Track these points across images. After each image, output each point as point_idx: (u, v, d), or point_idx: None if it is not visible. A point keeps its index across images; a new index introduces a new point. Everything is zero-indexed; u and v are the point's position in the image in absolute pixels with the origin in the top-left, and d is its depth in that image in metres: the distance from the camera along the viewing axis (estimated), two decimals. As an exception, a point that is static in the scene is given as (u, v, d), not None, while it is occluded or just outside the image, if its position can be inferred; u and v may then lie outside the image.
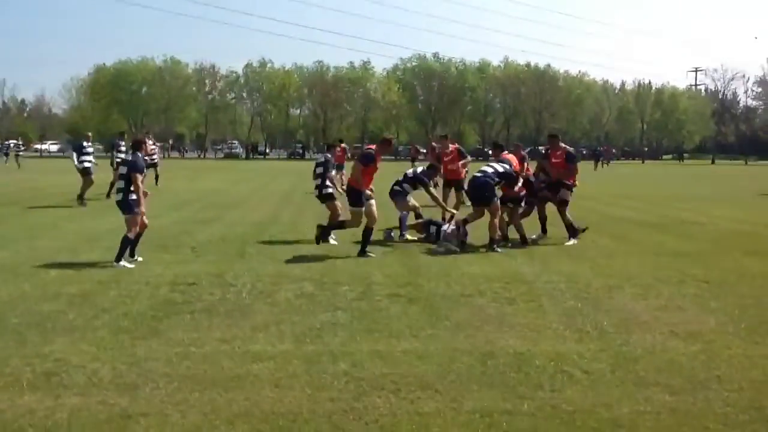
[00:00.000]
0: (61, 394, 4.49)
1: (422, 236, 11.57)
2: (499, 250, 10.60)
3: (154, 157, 22.92)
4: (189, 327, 6.09)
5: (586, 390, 4.67)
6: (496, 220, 10.91)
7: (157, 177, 23.05)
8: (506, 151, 12.67)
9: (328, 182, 11.95)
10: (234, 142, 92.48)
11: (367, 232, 10.19)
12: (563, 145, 12.37)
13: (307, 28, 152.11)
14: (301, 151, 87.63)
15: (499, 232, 10.99)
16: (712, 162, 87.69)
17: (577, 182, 12.28)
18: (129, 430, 3.93)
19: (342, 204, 11.56)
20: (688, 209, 18.26)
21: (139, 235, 9.38)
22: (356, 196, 10.24)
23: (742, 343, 5.78)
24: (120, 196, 9.31)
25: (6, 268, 8.67)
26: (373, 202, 10.34)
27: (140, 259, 9.29)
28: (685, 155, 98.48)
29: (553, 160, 12.08)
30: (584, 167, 37.10)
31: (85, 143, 18.89)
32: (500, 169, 11.21)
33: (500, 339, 5.82)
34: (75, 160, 18.54)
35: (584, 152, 68.81)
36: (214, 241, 11.20)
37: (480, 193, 11.05)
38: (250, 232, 12.35)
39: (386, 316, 6.53)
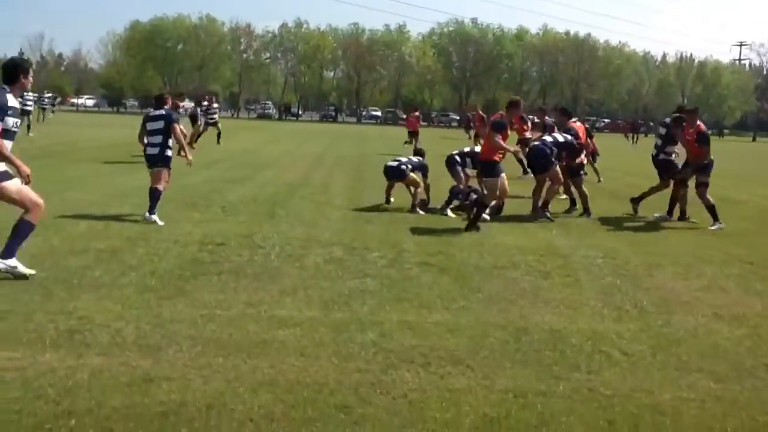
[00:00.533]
0: (83, 353, 4.38)
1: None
2: (549, 215, 10.54)
3: (215, 116, 24.21)
4: (216, 288, 5.96)
5: (625, 373, 4.45)
6: (556, 186, 10.91)
7: (219, 135, 24.35)
8: (574, 119, 12.00)
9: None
10: (267, 102, 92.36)
11: (484, 207, 9.69)
12: (699, 122, 11.15)
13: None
14: (333, 113, 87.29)
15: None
16: (753, 139, 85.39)
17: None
18: (150, 394, 3.81)
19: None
20: (729, 187, 17.65)
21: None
22: (491, 168, 9.57)
23: (791, 329, 5.49)
24: (156, 150, 9.25)
25: (36, 220, 8.61)
26: (504, 174, 9.72)
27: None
28: (726, 131, 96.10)
29: (686, 138, 11.02)
30: (619, 140, 36.41)
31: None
32: (561, 139, 11.02)
33: (535, 314, 5.60)
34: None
35: (621, 125, 67.19)
36: (245, 201, 11.09)
37: (536, 161, 11.04)
38: (281, 193, 12.22)
39: (416, 285, 6.35)
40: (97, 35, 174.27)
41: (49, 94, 44.28)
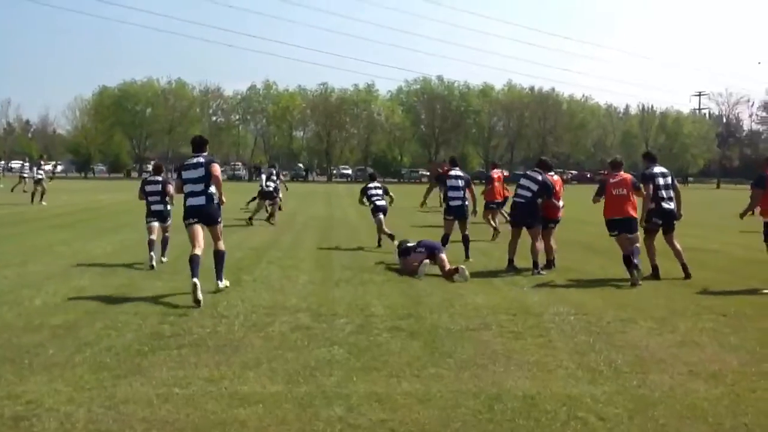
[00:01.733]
0: (28, 442, 4.10)
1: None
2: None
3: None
4: (175, 364, 5.69)
5: (602, 441, 4.27)
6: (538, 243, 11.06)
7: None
8: (551, 173, 11.75)
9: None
10: (237, 164, 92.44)
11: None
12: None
13: (312, 50, 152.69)
14: (304, 173, 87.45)
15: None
16: (717, 186, 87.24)
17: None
18: (97, 487, 3.54)
19: None
20: (698, 236, 17.79)
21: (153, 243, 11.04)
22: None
23: (768, 385, 5.37)
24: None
25: (-9, 295, 8.30)
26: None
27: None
28: (690, 179, 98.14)
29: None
30: (587, 192, 36.73)
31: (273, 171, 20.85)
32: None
33: (508, 379, 5.42)
34: (263, 183, 20.21)
35: (588, 176, 68.54)
36: (210, 268, 10.78)
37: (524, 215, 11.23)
38: (248, 258, 11.98)
39: (386, 352, 6.13)
40: (65, 101, 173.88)
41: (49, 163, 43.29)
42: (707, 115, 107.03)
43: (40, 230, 16.45)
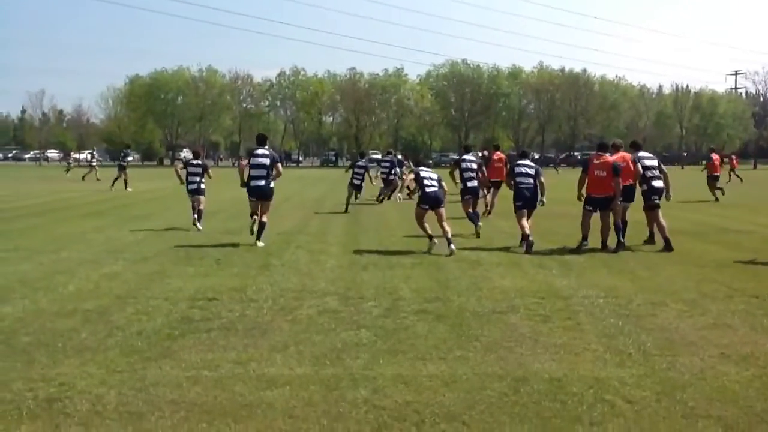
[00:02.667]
0: (61, 423, 4.20)
1: None
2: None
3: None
4: (204, 347, 5.78)
5: (629, 423, 4.23)
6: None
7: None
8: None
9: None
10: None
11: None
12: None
13: (341, 36, 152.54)
14: (334, 158, 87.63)
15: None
16: (754, 167, 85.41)
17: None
18: (127, 467, 3.61)
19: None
20: (732, 216, 17.54)
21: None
22: None
23: (802, 367, 5.27)
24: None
25: (26, 281, 8.48)
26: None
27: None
28: (725, 160, 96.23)
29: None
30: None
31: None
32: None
33: (534, 362, 5.39)
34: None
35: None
36: (239, 252, 10.94)
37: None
38: (277, 243, 12.07)
39: (412, 335, 6.15)
40: (98, 90, 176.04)
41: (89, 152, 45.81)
42: (744, 95, 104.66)
43: (72, 218, 16.74)
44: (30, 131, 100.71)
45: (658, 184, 12.17)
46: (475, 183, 13.63)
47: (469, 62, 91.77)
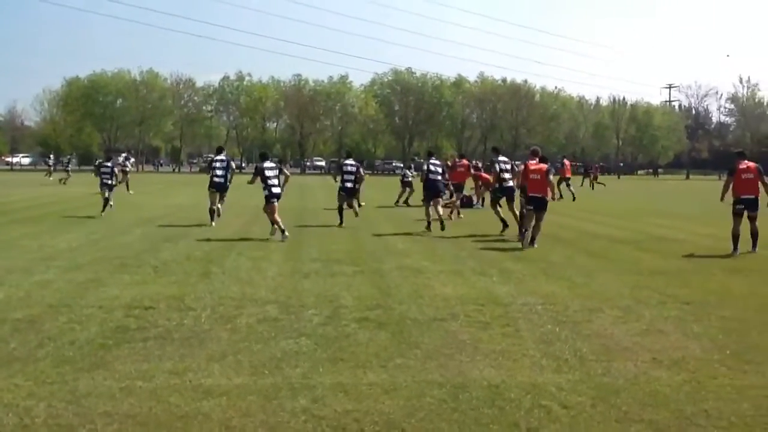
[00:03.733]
0: (-15, 438, 4.03)
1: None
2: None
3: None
4: (139, 357, 5.63)
5: (565, 428, 4.31)
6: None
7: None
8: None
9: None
10: (210, 156, 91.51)
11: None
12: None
13: (285, 42, 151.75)
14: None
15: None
16: (687, 177, 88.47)
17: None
18: (54, 483, 3.49)
19: None
20: (666, 225, 18.08)
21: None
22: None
23: (729, 371, 5.46)
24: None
25: (-49, 290, 8.13)
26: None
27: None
28: (660, 170, 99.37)
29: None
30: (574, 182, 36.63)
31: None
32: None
33: (473, 369, 5.44)
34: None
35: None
36: (178, 260, 10.72)
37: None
38: (217, 249, 11.89)
39: (353, 343, 6.13)
40: (33, 92, 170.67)
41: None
42: (677, 108, 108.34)
43: (4, 224, 16.15)
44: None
45: (508, 185, 15.25)
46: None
47: (413, 71, 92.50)
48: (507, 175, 15.33)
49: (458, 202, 20.37)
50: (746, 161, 12.73)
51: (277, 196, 14.09)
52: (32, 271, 9.49)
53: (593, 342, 6.27)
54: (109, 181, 18.95)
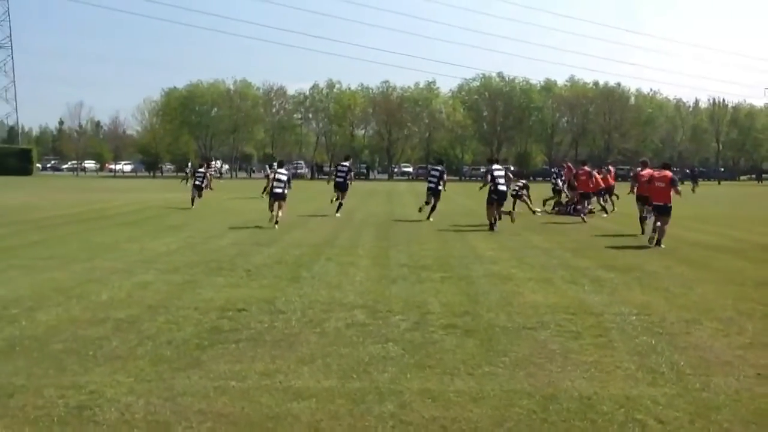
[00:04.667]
0: (89, 431, 4.23)
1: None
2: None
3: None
4: (232, 358, 5.80)
5: (661, 444, 4.14)
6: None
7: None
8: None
9: None
10: (300, 162, 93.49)
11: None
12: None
13: (374, 49, 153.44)
14: (365, 171, 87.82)
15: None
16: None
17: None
18: (152, 477, 3.63)
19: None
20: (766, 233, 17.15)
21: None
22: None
23: (842, 390, 5.11)
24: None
25: (60, 289, 8.62)
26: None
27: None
28: (765, 175, 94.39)
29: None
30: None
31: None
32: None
33: (564, 379, 5.31)
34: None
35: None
36: (269, 264, 10.98)
37: None
38: (307, 255, 12.10)
39: (440, 350, 6.10)
40: (134, 102, 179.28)
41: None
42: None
43: (107, 228, 16.99)
44: (68, 142, 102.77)
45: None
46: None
47: (503, 75, 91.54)
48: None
49: (585, 210, 21.19)
50: None
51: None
52: (133, 273, 9.94)
53: (691, 355, 6.01)
54: (201, 183, 23.80)
